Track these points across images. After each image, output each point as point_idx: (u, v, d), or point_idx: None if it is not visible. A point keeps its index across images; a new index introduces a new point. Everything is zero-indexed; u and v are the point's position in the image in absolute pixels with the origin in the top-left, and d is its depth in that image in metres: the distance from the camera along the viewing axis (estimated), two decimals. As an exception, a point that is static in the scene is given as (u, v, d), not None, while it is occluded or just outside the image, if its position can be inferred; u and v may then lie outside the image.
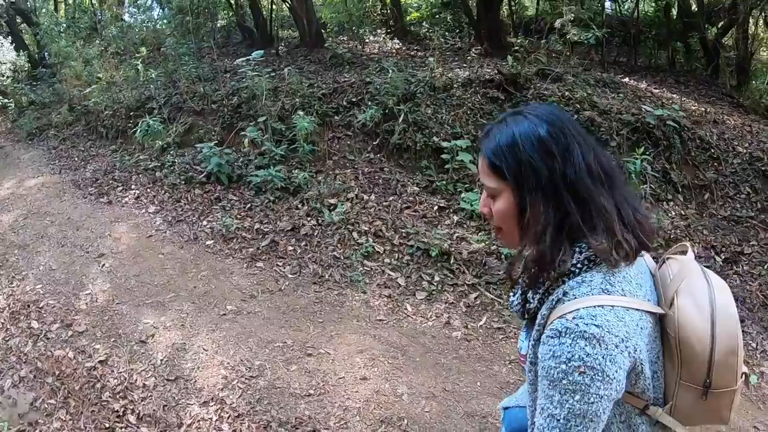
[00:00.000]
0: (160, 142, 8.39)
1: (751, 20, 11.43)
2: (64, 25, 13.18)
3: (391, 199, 6.64)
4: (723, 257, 5.59)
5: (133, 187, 7.49)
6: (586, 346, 1.14)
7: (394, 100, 7.70)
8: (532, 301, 1.37)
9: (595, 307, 1.18)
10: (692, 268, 1.37)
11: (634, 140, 6.80)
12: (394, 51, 11.36)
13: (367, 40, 12.59)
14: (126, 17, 15.73)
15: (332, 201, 6.44)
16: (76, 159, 9.31)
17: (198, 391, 3.77)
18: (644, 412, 1.30)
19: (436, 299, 4.99)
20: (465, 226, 6.11)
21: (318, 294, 5.08)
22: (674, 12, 12.22)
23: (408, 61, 9.90)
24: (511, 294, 1.55)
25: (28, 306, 4.78)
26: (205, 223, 6.31)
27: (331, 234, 5.93)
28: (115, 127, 9.66)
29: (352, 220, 6.13)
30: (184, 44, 9.71)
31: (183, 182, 7.23)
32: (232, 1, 13.34)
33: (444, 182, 6.90)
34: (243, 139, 7.42)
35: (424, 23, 13.34)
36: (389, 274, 5.41)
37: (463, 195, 6.54)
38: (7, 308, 4.77)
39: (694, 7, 12.11)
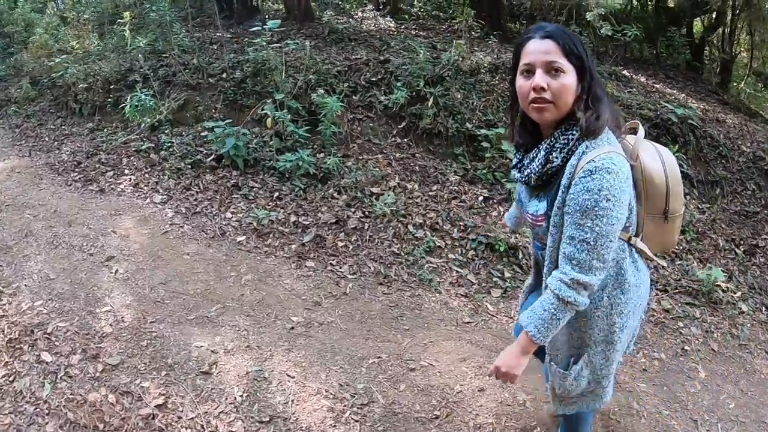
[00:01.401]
0: (148, 120, 7.16)
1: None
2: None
3: (435, 188, 5.77)
4: (742, 249, 5.68)
5: (126, 171, 6.28)
6: (610, 178, 1.56)
7: (421, 82, 6.77)
8: (556, 159, 1.71)
9: (610, 153, 1.61)
10: (642, 139, 1.83)
11: (654, 136, 6.63)
12: (393, 30, 10.32)
13: (356, 16, 11.53)
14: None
15: (374, 190, 5.49)
16: (46, 139, 7.94)
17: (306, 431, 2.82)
18: (629, 242, 1.82)
19: (512, 296, 4.53)
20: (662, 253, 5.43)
21: (389, 296, 4.28)
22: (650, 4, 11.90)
23: (417, 41, 8.90)
24: (515, 168, 1.90)
25: (32, 331, 3.63)
26: (229, 215, 5.22)
27: (383, 227, 5.03)
28: (90, 102, 8.31)
29: (403, 211, 5.23)
30: (168, 9, 8.40)
31: (189, 167, 6.08)
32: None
33: (483, 171, 6.10)
34: (264, 119, 6.30)
35: (414, 2, 12.34)
36: (457, 271, 4.70)
37: (509, 185, 5.77)
38: (1, 334, 3.62)
39: (671, 2, 11.96)
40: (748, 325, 4.56)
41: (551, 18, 10.98)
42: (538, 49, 1.65)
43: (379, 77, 7.16)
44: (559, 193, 1.68)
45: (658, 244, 1.89)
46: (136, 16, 8.58)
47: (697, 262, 5.20)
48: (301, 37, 9.68)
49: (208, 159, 6.10)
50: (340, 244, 4.83)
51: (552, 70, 1.64)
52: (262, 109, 6.36)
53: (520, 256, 4.90)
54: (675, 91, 9.22)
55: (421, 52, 7.22)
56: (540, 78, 1.63)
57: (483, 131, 6.37)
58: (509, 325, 4.13)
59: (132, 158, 6.55)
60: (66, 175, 6.51)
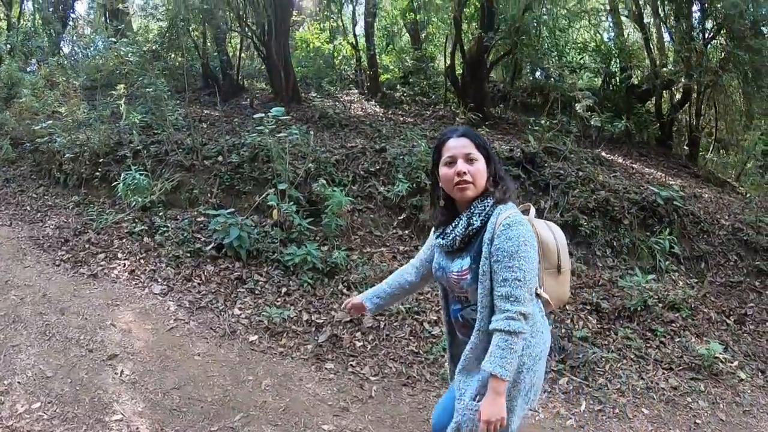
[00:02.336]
0: (140, 199, 6.93)
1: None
2: (9, 45, 11.23)
3: (442, 285, 5.66)
4: (732, 320, 5.70)
5: (119, 255, 5.98)
6: (524, 229, 2.04)
7: (422, 174, 6.82)
8: (476, 222, 2.13)
9: (518, 213, 2.13)
10: (534, 217, 2.29)
11: (641, 218, 6.89)
12: (381, 115, 10.48)
13: (341, 99, 11.70)
14: (64, 48, 14.03)
15: (383, 288, 5.36)
16: (28, 208, 7.58)
17: None
18: (535, 292, 2.13)
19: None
20: (560, 307, 5.33)
21: (415, 398, 4.15)
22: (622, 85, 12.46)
23: (412, 130, 9.03)
24: (439, 237, 2.28)
25: (36, 442, 3.31)
26: (237, 311, 5.00)
27: (399, 325, 4.92)
28: (76, 174, 8.01)
29: (416, 308, 5.14)
30: (163, 84, 8.29)
31: (188, 255, 5.85)
32: (198, 43, 11.97)
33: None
34: (263, 207, 6.17)
35: (397, 86, 12.62)
36: (476, 367, 4.48)
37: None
38: (-2, 444, 3.27)
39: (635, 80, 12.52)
40: (749, 391, 4.63)
41: (535, 105, 11.40)
42: (458, 144, 2.16)
43: (378, 167, 7.17)
44: (484, 246, 2.07)
45: (556, 298, 2.27)
46: (128, 88, 8.41)
47: (695, 338, 5.25)
48: (292, 120, 9.72)
49: (208, 248, 5.89)
50: (358, 343, 4.66)
51: (469, 159, 2.13)
52: (266, 200, 6.22)
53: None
54: (652, 170, 9.54)
55: (423, 144, 7.30)
56: (462, 165, 2.12)
57: None
58: (535, 418, 4.05)
59: (124, 241, 6.27)
60: (52, 252, 6.17)
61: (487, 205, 2.13)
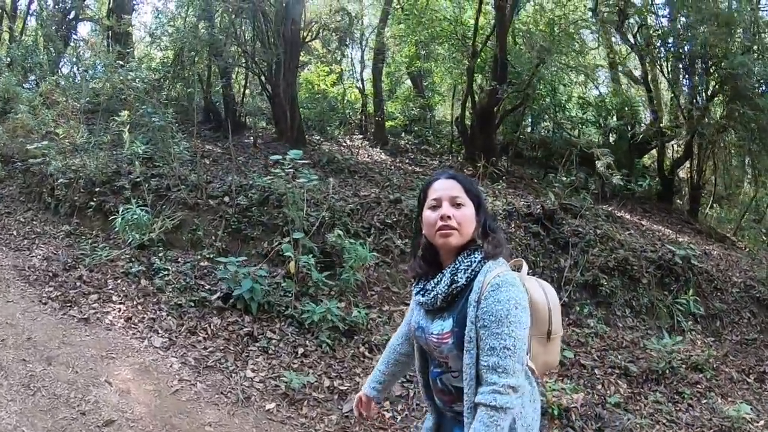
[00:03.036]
0: (137, 236, 6.37)
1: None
2: (9, 59, 10.68)
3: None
4: (753, 378, 5.68)
5: (114, 298, 5.39)
6: (515, 290, 1.76)
7: None
8: (461, 279, 1.85)
9: (508, 270, 1.85)
10: (526, 274, 1.97)
11: (659, 277, 6.88)
12: (389, 163, 10.13)
13: (345, 144, 11.35)
14: (63, 68, 13.52)
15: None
16: (14, 233, 6.96)
17: None
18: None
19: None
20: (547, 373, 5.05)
21: None
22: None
23: (414, 177, 8.69)
24: (419, 294, 1.99)
25: None
26: (250, 373, 4.43)
27: (428, 393, 4.37)
28: (69, 201, 7.42)
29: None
30: (171, 115, 7.81)
31: (192, 304, 5.29)
32: (202, 76, 11.56)
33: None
34: (271, 254, 5.66)
35: (402, 134, 12.34)
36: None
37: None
38: None
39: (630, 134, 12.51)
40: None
41: (536, 159, 11.19)
42: (445, 186, 1.92)
43: (394, 219, 6.74)
44: (469, 309, 1.79)
45: (542, 364, 2.01)
46: (131, 115, 7.91)
47: (720, 398, 5.12)
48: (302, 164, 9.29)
49: (214, 297, 5.34)
50: (387, 414, 4.14)
51: (456, 203, 1.89)
52: (276, 248, 5.73)
53: (574, 418, 4.36)
54: (659, 227, 9.51)
55: None
56: (447, 209, 1.87)
57: None
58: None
59: (120, 282, 5.69)
60: (39, 287, 5.56)
61: (474, 260, 1.86)
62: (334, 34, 11.47)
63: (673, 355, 5.38)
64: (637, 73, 15.65)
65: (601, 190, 8.83)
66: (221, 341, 4.82)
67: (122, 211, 6.30)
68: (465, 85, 11.06)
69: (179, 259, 6.15)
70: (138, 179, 7.20)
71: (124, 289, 5.56)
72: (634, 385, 5.12)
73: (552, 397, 4.52)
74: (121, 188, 7.30)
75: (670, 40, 12.02)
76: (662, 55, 12.41)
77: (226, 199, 6.88)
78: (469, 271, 1.85)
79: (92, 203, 7.23)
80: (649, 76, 12.88)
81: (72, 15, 14.78)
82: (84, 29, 17.19)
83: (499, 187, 8.29)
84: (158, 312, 5.17)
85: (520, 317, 1.74)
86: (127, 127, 7.09)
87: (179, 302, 5.28)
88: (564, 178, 7.79)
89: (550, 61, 10.52)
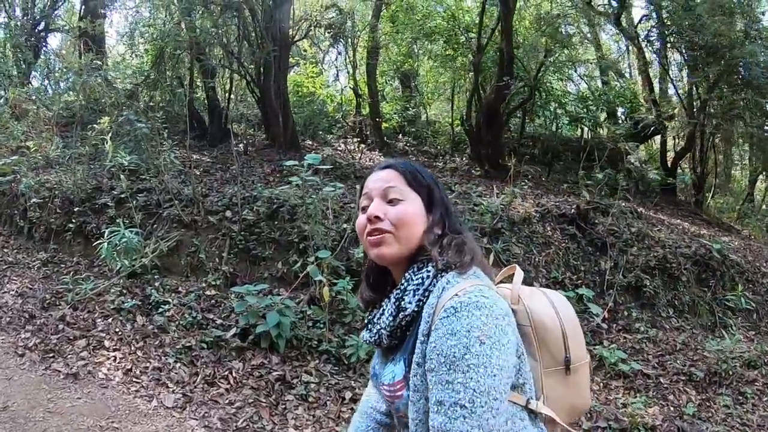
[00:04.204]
0: (127, 263, 5.29)
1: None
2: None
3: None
4: None
5: (107, 343, 4.33)
6: (481, 315, 1.10)
7: (484, 239, 5.55)
8: (409, 305, 1.23)
9: (478, 285, 1.16)
10: (520, 281, 1.36)
11: (696, 272, 6.51)
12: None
13: (337, 148, 10.38)
14: (34, 81, 12.28)
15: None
16: (-21, 265, 5.83)
17: None
18: (527, 407, 1.22)
19: None
20: (613, 386, 4.65)
21: None
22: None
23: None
24: (365, 332, 1.36)
25: None
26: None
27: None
28: (44, 224, 6.31)
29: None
30: (158, 120, 6.72)
31: (203, 345, 4.27)
32: (183, 81, 10.43)
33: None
34: (318, 286, 4.61)
35: (399, 135, 11.42)
36: None
37: (603, 352, 4.90)
38: None
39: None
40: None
41: (539, 156, 10.38)
42: (377, 178, 1.33)
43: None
44: (418, 344, 1.18)
45: (568, 408, 1.32)
46: (113, 123, 6.79)
47: None
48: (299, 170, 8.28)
49: (230, 335, 4.33)
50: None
51: (390, 199, 1.29)
52: (298, 271, 4.74)
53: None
54: (677, 220, 9.10)
55: (483, 203, 6.05)
56: (375, 206, 1.28)
57: (562, 293, 5.12)
58: None
59: (111, 321, 4.62)
60: (14, 333, 4.47)
61: (426, 277, 1.25)
62: (326, 31, 10.44)
63: (728, 354, 5.12)
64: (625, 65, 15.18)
65: (634, 186, 8.10)
66: (248, 391, 3.81)
67: (107, 233, 5.21)
68: (467, 82, 10.24)
69: (180, 289, 5.12)
70: (123, 195, 6.13)
71: (117, 330, 4.49)
72: (701, 390, 4.78)
73: (630, 416, 4.07)
74: (104, 206, 6.22)
75: (674, 29, 11.43)
76: (659, 46, 11.86)
77: (228, 213, 5.85)
78: (420, 292, 1.25)
79: (71, 225, 6.13)
80: (649, 68, 12.30)
81: (42, 26, 13.60)
82: (54, 41, 15.90)
83: (526, 187, 7.41)
84: (164, 359, 4.13)
85: (486, 357, 1.09)
86: (109, 134, 5.97)
87: (188, 344, 4.26)
88: (599, 175, 6.97)
89: (558, 54, 9.84)
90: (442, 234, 1.30)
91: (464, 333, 1.09)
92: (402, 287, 1.28)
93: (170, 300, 4.83)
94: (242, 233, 5.56)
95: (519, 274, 1.39)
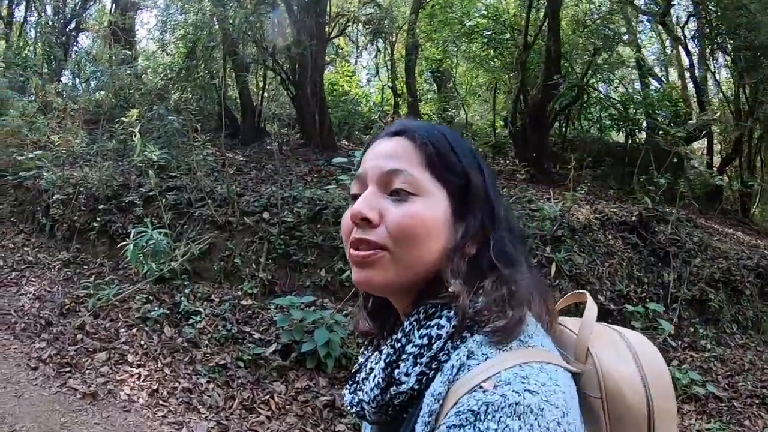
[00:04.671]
0: (155, 266, 4.74)
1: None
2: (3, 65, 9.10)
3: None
4: None
5: (130, 358, 3.78)
6: (520, 428, 0.60)
7: (547, 248, 4.94)
8: (406, 378, 0.72)
9: (521, 365, 0.65)
10: (594, 320, 0.81)
11: (759, 286, 5.94)
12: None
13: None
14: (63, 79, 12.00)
15: None
16: (1, 262, 5.34)
17: None
18: None
19: None
20: (685, 410, 4.14)
21: None
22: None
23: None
24: (345, 391, 0.85)
25: None
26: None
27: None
28: (67, 222, 5.82)
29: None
30: (189, 116, 6.21)
31: (240, 363, 3.69)
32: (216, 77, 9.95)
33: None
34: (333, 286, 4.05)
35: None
36: None
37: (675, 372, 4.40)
38: None
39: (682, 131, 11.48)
40: None
41: (608, 162, 9.85)
42: (381, 152, 0.78)
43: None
44: None
45: None
46: (141, 118, 6.29)
47: None
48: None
49: (269, 351, 3.74)
50: None
51: (394, 189, 0.75)
52: (346, 280, 4.15)
53: None
54: (729, 229, 8.38)
55: (545, 208, 5.46)
56: (368, 199, 0.75)
57: (629, 308, 4.83)
58: None
59: (136, 332, 4.07)
60: (28, 341, 3.96)
61: (436, 335, 0.71)
62: (364, 27, 9.90)
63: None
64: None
65: (691, 192, 7.50)
66: (293, 419, 3.23)
67: (134, 234, 4.66)
68: (508, 82, 9.66)
69: (213, 297, 4.56)
70: (151, 193, 5.62)
71: (142, 342, 3.94)
72: (775, 413, 4.27)
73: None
74: (131, 204, 5.72)
75: (722, 29, 10.81)
76: (702, 47, 11.26)
77: (266, 215, 5.28)
78: (425, 360, 0.71)
79: (95, 224, 5.63)
80: (696, 70, 11.63)
81: (73, 25, 13.45)
82: (86, 41, 15.76)
83: (583, 192, 6.76)
84: (195, 378, 3.56)
85: None
86: (138, 128, 5.44)
87: (222, 361, 3.69)
88: (661, 181, 6.33)
89: (607, 54, 9.23)
90: (476, 261, 0.78)
91: None
92: (398, 344, 0.78)
93: (202, 309, 4.27)
94: (282, 237, 4.99)
95: (592, 307, 0.85)
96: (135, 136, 5.28)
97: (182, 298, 4.45)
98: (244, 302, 4.44)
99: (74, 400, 3.32)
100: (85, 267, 5.29)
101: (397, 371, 0.74)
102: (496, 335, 0.70)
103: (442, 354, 0.72)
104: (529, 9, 9.18)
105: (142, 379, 3.53)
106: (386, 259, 0.75)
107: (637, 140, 12.16)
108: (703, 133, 10.64)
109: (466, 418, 0.62)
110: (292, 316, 3.67)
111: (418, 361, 0.73)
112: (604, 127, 11.93)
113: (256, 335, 3.99)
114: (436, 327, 0.73)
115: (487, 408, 0.62)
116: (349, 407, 0.85)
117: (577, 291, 0.92)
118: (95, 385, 3.44)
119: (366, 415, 0.82)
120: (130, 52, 6.82)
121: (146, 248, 4.64)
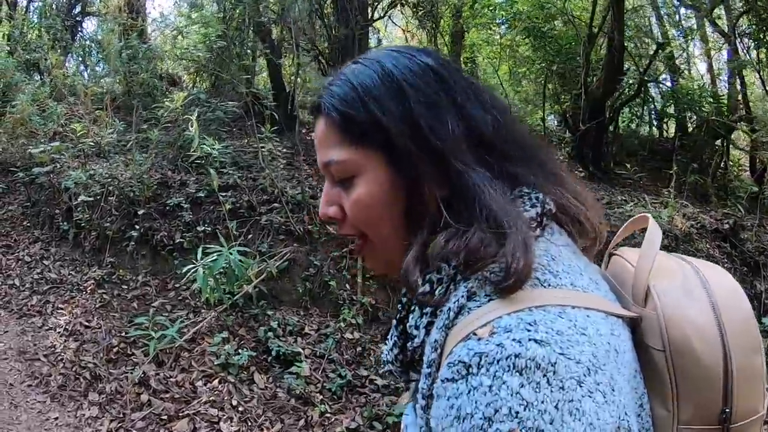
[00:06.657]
0: (225, 290, 3.54)
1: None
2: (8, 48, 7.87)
3: None
4: None
5: (224, 427, 2.61)
6: (521, 386, 0.47)
7: None
8: (415, 332, 0.62)
9: (531, 309, 0.52)
10: (656, 248, 0.66)
11: None
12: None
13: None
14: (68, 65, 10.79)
15: None
16: (16, 281, 4.16)
17: None
18: None
19: None
20: None
21: None
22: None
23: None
24: (385, 353, 0.71)
25: None
26: None
27: None
28: (97, 230, 4.58)
29: None
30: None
31: (376, 424, 2.54)
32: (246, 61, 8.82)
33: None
34: None
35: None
36: None
37: None
38: None
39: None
40: None
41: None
42: (316, 141, 0.69)
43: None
44: (419, 406, 0.59)
45: None
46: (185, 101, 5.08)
47: None
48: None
49: (404, 402, 2.59)
50: None
51: (339, 179, 0.66)
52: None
53: None
54: None
55: (662, 216, 4.84)
56: (324, 198, 0.69)
57: None
58: None
59: (219, 384, 2.91)
60: (72, 407, 2.87)
61: (437, 279, 0.58)
62: (412, 10, 8.75)
63: None
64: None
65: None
66: None
67: (201, 253, 3.43)
68: (554, 79, 8.83)
69: (306, 330, 3.38)
70: (200, 194, 4.45)
71: (233, 401, 2.77)
72: None
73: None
74: (176, 208, 4.51)
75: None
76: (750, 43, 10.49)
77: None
78: (430, 309, 0.59)
79: (133, 233, 4.41)
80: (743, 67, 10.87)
81: (77, 9, 12.36)
82: (90, 26, 14.65)
83: (673, 196, 5.88)
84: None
85: None
86: (194, 115, 4.21)
87: (353, 425, 2.55)
88: (753, 187, 5.70)
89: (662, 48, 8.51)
90: (452, 199, 0.60)
91: (479, 421, 0.47)
92: (404, 298, 0.67)
93: (300, 350, 3.11)
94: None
95: (655, 231, 0.67)
96: (191, 125, 4.06)
97: (268, 333, 3.28)
98: (348, 335, 3.28)
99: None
100: (125, 287, 4.09)
101: (408, 325, 0.63)
102: (501, 274, 0.53)
103: (444, 299, 0.58)
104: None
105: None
106: (370, 245, 0.67)
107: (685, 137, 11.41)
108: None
109: (457, 370, 0.50)
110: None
111: (423, 311, 0.61)
112: (653, 122, 11.12)
113: (378, 381, 2.85)
114: (435, 271, 0.59)
115: (480, 359, 0.49)
116: (393, 370, 0.69)
117: (640, 215, 0.74)
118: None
119: (397, 376, 0.70)
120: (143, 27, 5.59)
121: (216, 271, 3.44)
